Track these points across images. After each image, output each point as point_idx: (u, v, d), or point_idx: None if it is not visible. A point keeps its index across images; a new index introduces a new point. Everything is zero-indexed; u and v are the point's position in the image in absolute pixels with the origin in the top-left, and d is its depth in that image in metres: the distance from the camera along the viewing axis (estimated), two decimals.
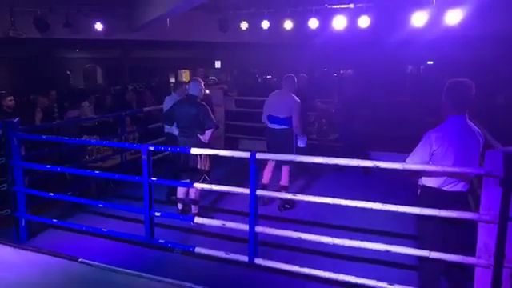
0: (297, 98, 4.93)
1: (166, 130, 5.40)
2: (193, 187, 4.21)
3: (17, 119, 4.20)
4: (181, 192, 4.77)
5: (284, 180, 5.10)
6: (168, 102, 5.34)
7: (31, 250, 2.31)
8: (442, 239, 2.90)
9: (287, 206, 5.06)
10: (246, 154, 3.38)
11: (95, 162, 5.73)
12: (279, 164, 5.16)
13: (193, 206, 4.69)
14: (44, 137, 4.53)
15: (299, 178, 6.18)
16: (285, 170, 5.11)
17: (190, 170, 4.57)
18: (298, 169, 6.18)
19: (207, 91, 7.64)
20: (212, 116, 4.57)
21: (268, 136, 5.12)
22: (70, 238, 4.26)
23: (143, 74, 17.54)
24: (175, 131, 4.71)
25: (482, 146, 2.81)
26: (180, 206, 4.81)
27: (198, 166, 4.55)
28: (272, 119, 5.00)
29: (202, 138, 4.51)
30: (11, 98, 5.36)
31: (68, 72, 18.45)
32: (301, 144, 5.15)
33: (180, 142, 4.59)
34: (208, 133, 4.51)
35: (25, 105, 8.09)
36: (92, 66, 19.27)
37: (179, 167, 4.71)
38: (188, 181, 4.43)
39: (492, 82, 7.25)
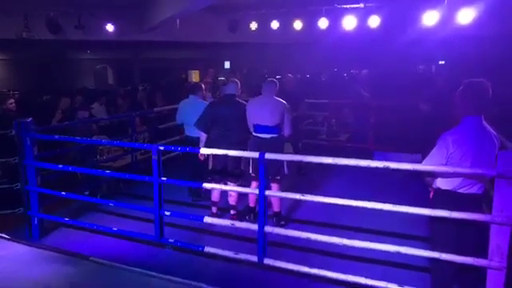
0: (284, 101, 4.51)
1: (188, 134, 5.35)
2: (202, 187, 4.19)
3: (30, 119, 4.27)
4: (216, 195, 4.65)
5: (276, 205, 4.51)
6: (189, 106, 5.31)
7: (44, 248, 2.35)
8: (457, 243, 2.85)
9: (282, 222, 4.56)
10: (255, 155, 3.38)
11: (106, 161, 5.80)
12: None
13: (231, 210, 4.67)
14: (56, 137, 4.60)
15: (310, 178, 6.16)
16: (275, 187, 4.49)
17: (236, 174, 4.49)
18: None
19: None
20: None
21: (254, 146, 4.39)
22: (81, 236, 4.31)
23: (153, 74, 17.66)
24: (203, 135, 4.57)
25: (498, 148, 2.77)
26: (214, 209, 4.70)
27: (248, 170, 4.45)
28: (260, 128, 4.43)
29: None
30: (12, 101, 5.47)
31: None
32: (287, 169, 4.49)
33: (223, 146, 4.09)
34: None
35: (43, 105, 8.21)
36: (103, 66, 19.46)
37: (217, 170, 4.53)
38: (232, 184, 4.42)
39: (505, 82, 7.13)
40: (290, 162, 4.56)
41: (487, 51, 9.78)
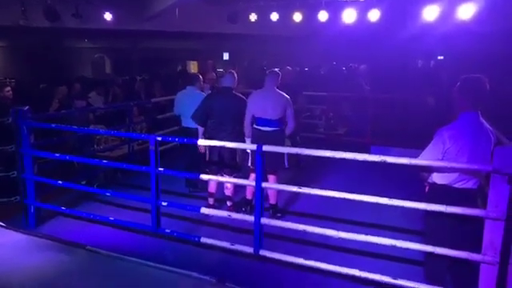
0: (286, 95, 4.52)
1: (185, 125, 5.30)
2: (199, 178, 4.21)
3: (27, 107, 4.25)
4: (213, 187, 4.68)
5: (273, 197, 4.55)
6: (186, 97, 5.25)
7: (40, 236, 2.35)
8: (451, 237, 2.87)
9: (279, 214, 4.61)
10: (253, 146, 3.39)
11: (103, 151, 5.78)
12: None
13: (228, 201, 4.68)
14: (53, 125, 4.58)
15: (307, 172, 6.18)
16: (272, 179, 4.53)
17: (232, 166, 4.51)
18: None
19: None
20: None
21: (255, 138, 4.44)
22: (77, 225, 4.32)
23: (152, 64, 17.55)
24: (200, 127, 4.60)
25: (494, 143, 2.78)
26: (211, 200, 4.73)
27: (247, 162, 4.48)
28: (261, 121, 4.46)
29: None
30: (8, 88, 5.43)
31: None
32: (287, 162, 4.54)
33: (219, 138, 4.21)
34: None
35: (41, 94, 8.15)
36: (100, 56, 19.31)
37: (213, 161, 4.55)
38: (228, 176, 4.43)
39: (504, 78, 7.15)
40: (288, 155, 4.58)
41: (488, 47, 9.76)
